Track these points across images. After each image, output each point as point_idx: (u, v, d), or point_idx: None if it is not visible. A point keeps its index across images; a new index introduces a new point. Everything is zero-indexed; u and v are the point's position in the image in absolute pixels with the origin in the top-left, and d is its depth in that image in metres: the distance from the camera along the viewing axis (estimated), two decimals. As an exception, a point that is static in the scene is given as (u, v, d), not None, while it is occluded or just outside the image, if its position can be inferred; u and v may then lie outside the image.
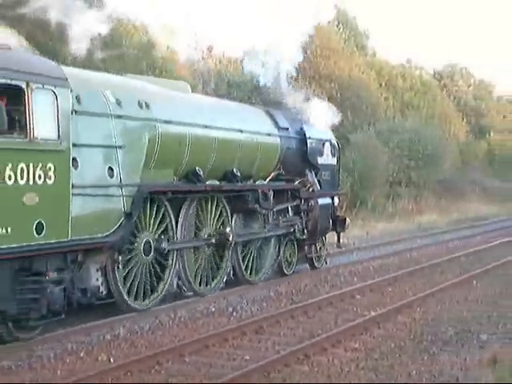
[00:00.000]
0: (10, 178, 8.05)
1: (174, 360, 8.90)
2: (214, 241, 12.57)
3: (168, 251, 11.40)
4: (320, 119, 15.93)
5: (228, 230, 12.60)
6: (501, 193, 45.83)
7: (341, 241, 16.92)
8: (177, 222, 11.73)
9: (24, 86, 8.38)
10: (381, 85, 40.09)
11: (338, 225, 16.50)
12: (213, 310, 11.91)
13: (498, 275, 16.34)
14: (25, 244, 8.29)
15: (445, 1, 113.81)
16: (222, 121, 12.77)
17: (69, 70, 9.60)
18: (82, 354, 8.98)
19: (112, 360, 8.76)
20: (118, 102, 10.33)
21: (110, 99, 10.19)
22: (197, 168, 11.86)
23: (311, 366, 8.90)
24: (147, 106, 10.91)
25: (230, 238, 12.61)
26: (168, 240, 11.39)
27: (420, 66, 47.02)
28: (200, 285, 12.52)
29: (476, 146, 50.80)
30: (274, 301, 12.90)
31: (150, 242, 11.01)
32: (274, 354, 9.19)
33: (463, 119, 50.06)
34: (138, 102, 10.79)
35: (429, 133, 37.13)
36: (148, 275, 11.19)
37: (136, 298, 10.92)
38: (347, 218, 17.05)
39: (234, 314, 11.76)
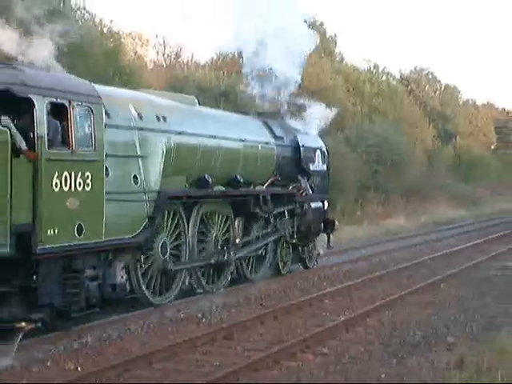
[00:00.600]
0: (56, 185, 9.09)
1: (143, 368, 8.83)
2: (212, 261, 13.42)
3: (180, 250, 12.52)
4: (313, 126, 17.35)
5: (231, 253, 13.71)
6: (467, 196, 46.41)
7: (331, 242, 17.84)
8: (188, 224, 12.73)
9: (67, 103, 9.43)
10: (348, 90, 40.33)
11: (328, 227, 17.45)
12: (182, 316, 11.85)
13: (465, 278, 16.53)
14: (68, 244, 9.30)
15: (411, 7, 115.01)
16: (226, 131, 13.82)
17: (100, 88, 10.57)
18: (48, 363, 8.87)
19: (79, 369, 8.66)
20: (140, 116, 11.35)
21: (132, 113, 11.21)
22: (206, 175, 12.90)
23: (281, 371, 8.91)
24: (164, 118, 11.98)
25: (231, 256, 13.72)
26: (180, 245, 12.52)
27: (387, 71, 47.43)
28: (207, 283, 13.50)
29: (443, 150, 51.34)
30: (243, 306, 12.88)
31: (166, 243, 11.96)
32: (243, 360, 9.17)
33: (430, 124, 50.58)
34: (156, 115, 11.84)
35: (396, 138, 37.46)
36: (164, 273, 12.12)
37: (154, 294, 11.91)
38: (336, 221, 17.88)
39: (204, 320, 11.72)
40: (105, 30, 25.31)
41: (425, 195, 40.06)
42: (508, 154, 70.47)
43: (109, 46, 23.94)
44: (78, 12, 23.54)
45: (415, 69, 57.80)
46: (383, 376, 8.67)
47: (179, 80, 28.29)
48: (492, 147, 68.39)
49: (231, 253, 13.70)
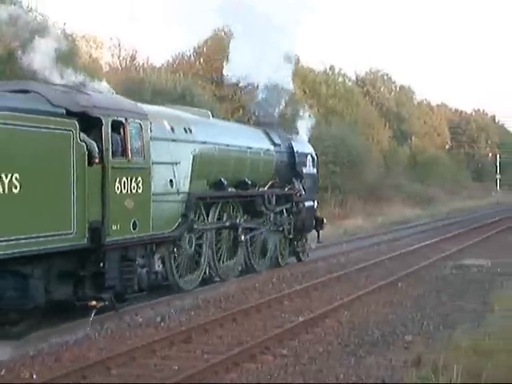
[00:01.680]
0: (117, 189, 11.02)
1: (101, 373, 8.73)
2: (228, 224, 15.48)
3: (202, 245, 14.50)
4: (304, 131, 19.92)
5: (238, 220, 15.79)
6: (422, 196, 47.02)
7: (320, 238, 19.90)
8: (207, 220, 14.75)
9: (124, 121, 11.37)
10: (305, 92, 40.53)
11: (318, 224, 19.63)
12: (140, 320, 11.75)
13: (422, 277, 16.73)
14: (126, 237, 11.26)
15: (365, 9, 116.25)
16: (236, 141, 15.88)
17: (143, 106, 12.60)
18: (2, 372, 8.69)
19: (35, 376, 8.52)
20: (172, 129, 13.40)
21: (167, 127, 13.24)
22: (222, 178, 14.90)
23: (240, 374, 8.90)
24: (190, 130, 14.03)
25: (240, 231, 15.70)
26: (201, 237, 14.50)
27: (343, 72, 47.79)
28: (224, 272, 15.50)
29: (399, 151, 51.95)
30: (202, 309, 12.83)
31: (192, 237, 14.06)
32: (202, 363, 9.13)
33: (386, 125, 51.13)
34: (184, 128, 13.89)
35: (353, 139, 37.76)
36: (190, 263, 14.13)
37: (183, 281, 13.92)
38: (324, 219, 20.05)
39: (162, 324, 11.64)
40: (59, 33, 24.96)
41: (381, 195, 40.47)
42: (461, 153, 71.75)
43: (63, 48, 23.62)
44: (30, 14, 23.18)
45: (370, 70, 58.46)
46: (342, 376, 8.72)
47: (135, 82, 28.08)
48: (446, 147, 69.50)
49: (242, 236, 15.78)
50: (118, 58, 31.41)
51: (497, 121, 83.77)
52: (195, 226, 13.95)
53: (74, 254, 10.46)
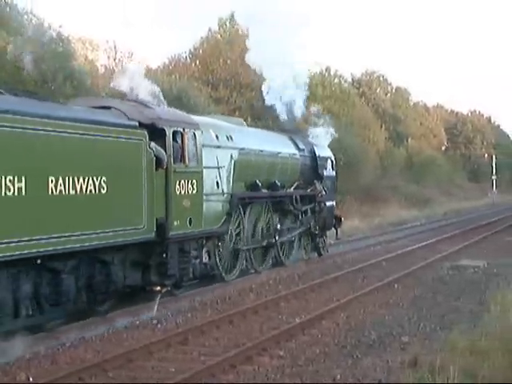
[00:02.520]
0: (177, 190, 12.65)
1: (98, 376, 8.73)
2: (264, 244, 17.25)
3: (239, 239, 16.05)
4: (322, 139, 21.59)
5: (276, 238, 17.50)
6: (419, 197, 47.08)
7: (338, 234, 21.55)
8: (244, 217, 16.27)
9: (182, 130, 12.99)
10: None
11: (337, 222, 21.19)
12: (137, 322, 11.74)
13: (418, 278, 16.74)
14: (184, 232, 12.94)
15: (362, 11, 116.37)
16: (267, 146, 17.48)
17: (194, 117, 14.16)
18: (-1, 375, 8.71)
19: (31, 379, 8.52)
20: (217, 137, 14.93)
21: (212, 135, 14.72)
22: (256, 180, 16.49)
23: (237, 376, 8.90)
24: (231, 138, 15.55)
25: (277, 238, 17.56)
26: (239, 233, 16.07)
27: (339, 74, 47.77)
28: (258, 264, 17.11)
29: (395, 152, 51.98)
30: (198, 311, 12.83)
31: (232, 232, 15.62)
32: (199, 365, 9.13)
33: (382, 126, 51.16)
34: (226, 135, 15.39)
35: (349, 140, 37.74)
36: (231, 256, 15.74)
37: (225, 272, 15.47)
38: (342, 217, 21.73)
39: (159, 326, 11.64)
40: (54, 35, 24.95)
41: (378, 197, 40.49)
42: (458, 154, 71.86)
43: (58, 50, 23.58)
44: (26, 16, 23.18)
45: (366, 71, 58.51)
46: (338, 377, 8.73)
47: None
48: (442, 148, 69.60)
49: (276, 237, 17.47)
50: (114, 60, 31.37)
51: (493, 122, 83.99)
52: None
53: (143, 245, 12.11)
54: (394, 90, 61.15)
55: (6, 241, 9.18)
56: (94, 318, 11.55)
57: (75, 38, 28.76)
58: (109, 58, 31.09)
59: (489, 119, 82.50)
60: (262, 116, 32.63)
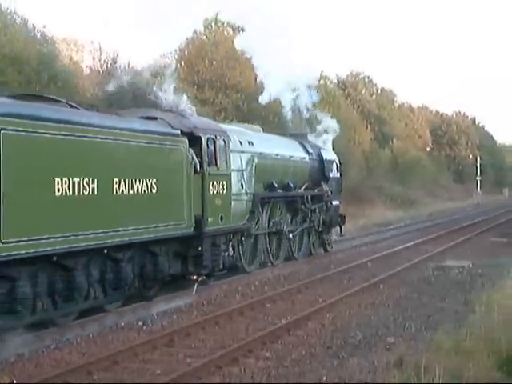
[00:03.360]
0: (211, 191, 14.31)
1: (82, 378, 8.67)
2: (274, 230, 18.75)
3: (258, 235, 17.70)
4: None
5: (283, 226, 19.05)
6: (404, 198, 47.24)
7: (342, 231, 23.65)
8: (262, 214, 17.94)
9: (214, 137, 14.66)
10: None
11: (341, 220, 22.87)
12: (122, 324, 11.69)
13: (403, 279, 16.79)
14: (216, 227, 14.58)
15: (346, 12, 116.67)
16: (281, 150, 19.21)
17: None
18: (-18, 378, 8.63)
19: (15, 382, 8.45)
20: (240, 143, 16.62)
21: (237, 141, 16.36)
22: (273, 182, 18.13)
23: (223, 377, 8.88)
24: (252, 143, 17.30)
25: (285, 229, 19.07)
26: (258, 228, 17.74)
27: (324, 75, 47.85)
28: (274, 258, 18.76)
29: (380, 153, 52.13)
30: (184, 313, 12.80)
31: (252, 227, 17.13)
32: (185, 367, 9.11)
33: (367, 127, 51.29)
34: (248, 141, 17.13)
35: (334, 141, 37.73)
36: (251, 250, 17.43)
37: (247, 264, 17.12)
38: (345, 215, 23.47)
39: (144, 327, 11.60)
40: (38, 35, 24.82)
41: (363, 198, 40.54)
42: (442, 155, 72.18)
43: (43, 51, 23.46)
44: (9, 16, 23.04)
45: (352, 73, 58.65)
46: (324, 378, 8.73)
47: (115, 85, 27.91)
48: (427, 149, 69.88)
49: (293, 232, 19.45)
50: (99, 61, 31.19)
51: (477, 123, 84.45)
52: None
53: (183, 239, 13.69)
54: (379, 91, 61.35)
55: (82, 233, 10.79)
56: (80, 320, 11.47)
57: (59, 39, 28.62)
58: (94, 59, 30.93)
59: (473, 120, 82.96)
60: (252, 117, 32.75)
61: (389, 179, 49.77)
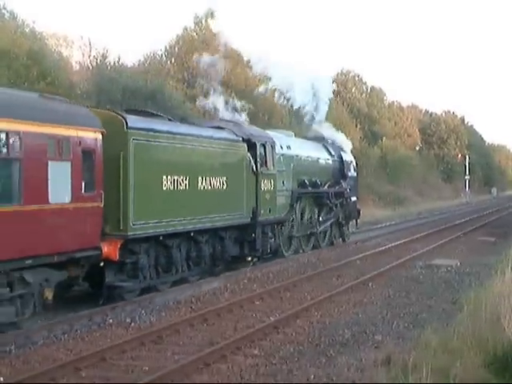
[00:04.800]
0: (262, 188, 17.88)
1: (70, 375, 8.64)
2: (308, 232, 22.04)
3: (292, 226, 20.66)
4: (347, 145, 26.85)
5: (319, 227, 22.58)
6: (393, 197, 47.33)
7: (358, 224, 26.93)
8: (296, 209, 20.82)
9: (265, 143, 18.20)
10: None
11: (357, 214, 25.89)
12: (110, 321, 11.66)
13: (392, 277, 16.82)
14: (266, 218, 18.10)
15: (336, 10, 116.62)
16: (311, 152, 22.53)
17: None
18: (-31, 374, 8.58)
19: (2, 379, 8.41)
20: (281, 147, 19.78)
21: (279, 146, 19.51)
22: (305, 180, 21.24)
23: (211, 375, 8.86)
24: (290, 147, 20.55)
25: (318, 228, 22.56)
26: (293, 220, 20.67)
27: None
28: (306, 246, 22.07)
29: (369, 151, 52.19)
30: (173, 310, 12.77)
31: (289, 222, 20.24)
32: (173, 364, 9.09)
33: (357, 126, 51.33)
34: (286, 145, 20.31)
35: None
36: (287, 238, 20.49)
37: (285, 251, 20.17)
38: (360, 210, 26.41)
39: (133, 324, 11.56)
40: (27, 31, 24.68)
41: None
42: (431, 154, 72.34)
43: (32, 46, 23.33)
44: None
45: (342, 71, 58.70)
46: (312, 376, 8.74)
47: (106, 82, 27.84)
48: (417, 148, 70.03)
49: (317, 226, 22.46)
50: (89, 57, 31.06)
51: (466, 122, 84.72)
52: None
53: (241, 227, 17.22)
54: (369, 90, 61.43)
55: (178, 219, 14.29)
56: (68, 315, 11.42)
57: (49, 34, 28.48)
58: (83, 54, 30.79)
59: (462, 119, 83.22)
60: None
61: (378, 178, 49.85)
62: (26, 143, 10.43)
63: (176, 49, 37.21)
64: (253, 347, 10.16)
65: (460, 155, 71.56)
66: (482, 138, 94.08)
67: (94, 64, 30.53)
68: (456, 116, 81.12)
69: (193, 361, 9.10)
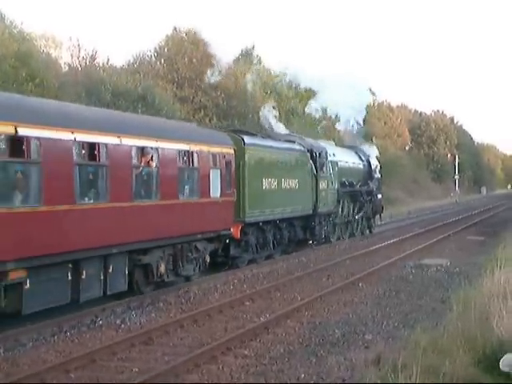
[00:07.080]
0: (319, 187, 23.23)
1: (59, 377, 8.61)
2: (346, 220, 27.13)
3: (336, 217, 25.58)
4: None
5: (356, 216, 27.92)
6: (383, 196, 47.31)
7: (381, 219, 32.31)
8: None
9: (318, 152, 23.24)
10: (266, 93, 40.59)
11: (382, 209, 31.07)
12: (100, 322, 11.63)
13: (382, 277, 16.85)
14: (323, 210, 23.56)
15: (327, 9, 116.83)
16: (348, 158, 27.59)
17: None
18: (-42, 377, 8.54)
19: (-9, 381, 8.38)
20: (329, 154, 24.33)
21: (329, 153, 24.29)
22: (345, 180, 26.20)
23: (201, 375, 8.85)
24: (334, 155, 25.31)
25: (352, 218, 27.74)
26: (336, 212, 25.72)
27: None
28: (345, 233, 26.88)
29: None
30: (162, 311, 12.75)
31: (332, 215, 25.20)
32: (163, 365, 9.07)
33: (347, 126, 51.26)
34: (332, 153, 25.07)
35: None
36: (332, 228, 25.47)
37: (332, 238, 25.13)
38: (383, 206, 31.44)
39: (123, 325, 11.53)
40: (15, 32, 24.57)
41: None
42: (421, 154, 72.52)
43: (20, 47, 23.22)
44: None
45: (331, 72, 58.70)
46: (303, 376, 8.74)
47: (95, 83, 27.78)
48: (406, 148, 70.22)
49: (355, 216, 27.48)
50: (78, 58, 30.95)
51: (455, 122, 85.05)
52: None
53: (305, 217, 22.29)
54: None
55: (270, 210, 19.51)
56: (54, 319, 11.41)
57: (37, 35, 28.37)
58: (72, 56, 30.68)
59: (452, 119, 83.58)
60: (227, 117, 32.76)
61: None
62: (201, 158, 15.68)
63: (166, 49, 37.15)
64: (243, 348, 10.15)
65: (450, 155, 71.84)
66: (472, 138, 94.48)
67: (83, 65, 30.43)
68: (445, 116, 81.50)
69: (183, 362, 9.08)
